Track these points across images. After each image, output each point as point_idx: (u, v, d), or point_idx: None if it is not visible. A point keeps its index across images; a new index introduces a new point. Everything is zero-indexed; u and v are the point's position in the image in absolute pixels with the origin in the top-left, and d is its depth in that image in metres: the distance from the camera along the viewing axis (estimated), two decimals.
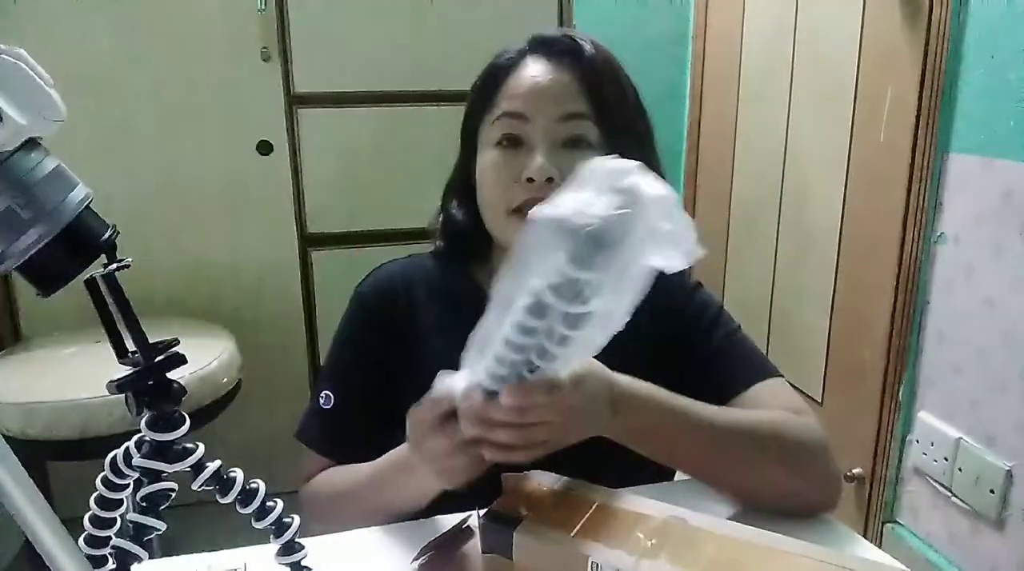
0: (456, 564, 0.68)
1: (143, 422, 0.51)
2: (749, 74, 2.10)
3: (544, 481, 0.70)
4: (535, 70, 0.84)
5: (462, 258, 0.95)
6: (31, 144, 0.46)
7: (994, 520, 1.37)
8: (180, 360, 0.50)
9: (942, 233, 1.47)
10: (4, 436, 0.46)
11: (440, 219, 0.96)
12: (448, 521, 0.73)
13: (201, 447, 0.53)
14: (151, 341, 0.50)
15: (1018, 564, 1.34)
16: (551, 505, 0.65)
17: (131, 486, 0.55)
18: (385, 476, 0.81)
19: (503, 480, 0.72)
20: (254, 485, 0.55)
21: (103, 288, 0.49)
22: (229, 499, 0.54)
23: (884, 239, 1.58)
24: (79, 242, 0.47)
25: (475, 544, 0.68)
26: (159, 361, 0.50)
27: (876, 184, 1.61)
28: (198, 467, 0.52)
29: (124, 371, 0.50)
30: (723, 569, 0.57)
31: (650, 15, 2.26)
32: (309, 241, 2.01)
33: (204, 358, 1.53)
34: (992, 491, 1.36)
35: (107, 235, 0.49)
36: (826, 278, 1.79)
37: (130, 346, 0.50)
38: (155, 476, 0.52)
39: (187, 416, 0.52)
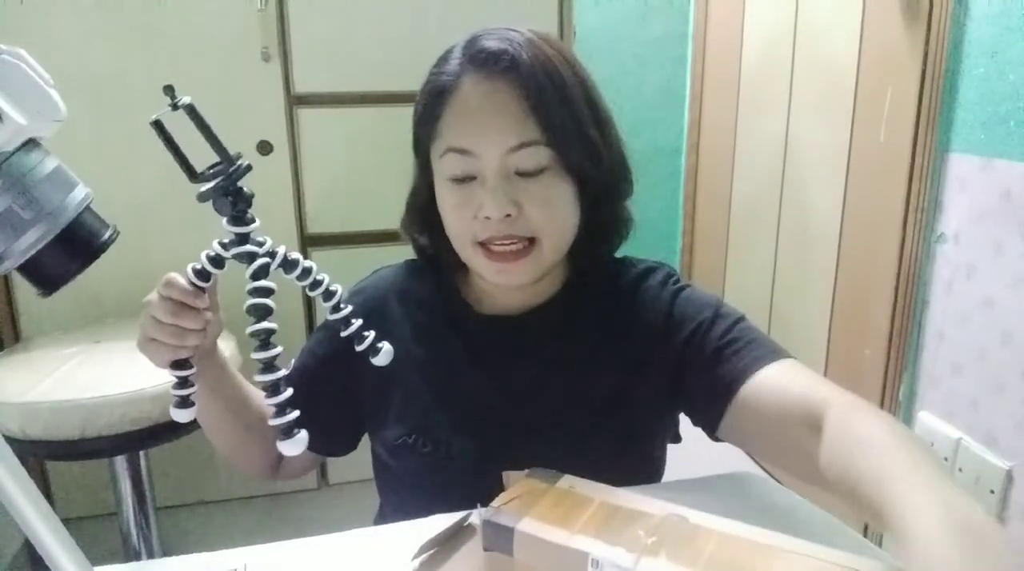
0: (457, 562, 0.68)
1: (224, 222, 0.65)
2: (749, 74, 2.10)
3: (545, 479, 0.70)
4: (476, 97, 0.78)
5: (440, 269, 0.93)
6: (31, 144, 0.46)
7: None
8: (248, 168, 0.64)
9: (942, 233, 1.47)
10: (4, 436, 0.46)
11: (409, 239, 0.95)
12: (448, 519, 0.73)
13: (268, 239, 0.68)
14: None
15: (1018, 564, 1.34)
16: (552, 503, 0.65)
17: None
18: None
19: (504, 478, 0.72)
20: (308, 264, 0.70)
21: (190, 118, 0.60)
22: (293, 275, 0.69)
23: (884, 239, 1.58)
24: (79, 242, 0.48)
25: (476, 542, 0.68)
26: (236, 170, 0.63)
27: (876, 184, 1.61)
28: (271, 253, 0.68)
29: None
30: (723, 567, 0.57)
31: (650, 15, 2.26)
32: (309, 241, 2.01)
33: None
34: (992, 491, 1.36)
35: (107, 235, 0.49)
36: (826, 278, 1.79)
37: (197, 168, 0.65)
38: (251, 257, 0.67)
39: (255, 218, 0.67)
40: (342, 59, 1.96)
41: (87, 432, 1.39)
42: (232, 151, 0.65)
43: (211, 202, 0.65)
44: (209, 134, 0.62)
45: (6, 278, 1.83)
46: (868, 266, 1.65)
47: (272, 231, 0.67)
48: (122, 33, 1.82)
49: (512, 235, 0.79)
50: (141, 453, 1.62)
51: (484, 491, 0.69)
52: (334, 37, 1.94)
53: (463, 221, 0.81)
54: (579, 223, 0.85)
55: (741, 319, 0.85)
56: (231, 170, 0.63)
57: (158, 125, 0.63)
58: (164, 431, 1.46)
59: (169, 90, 0.60)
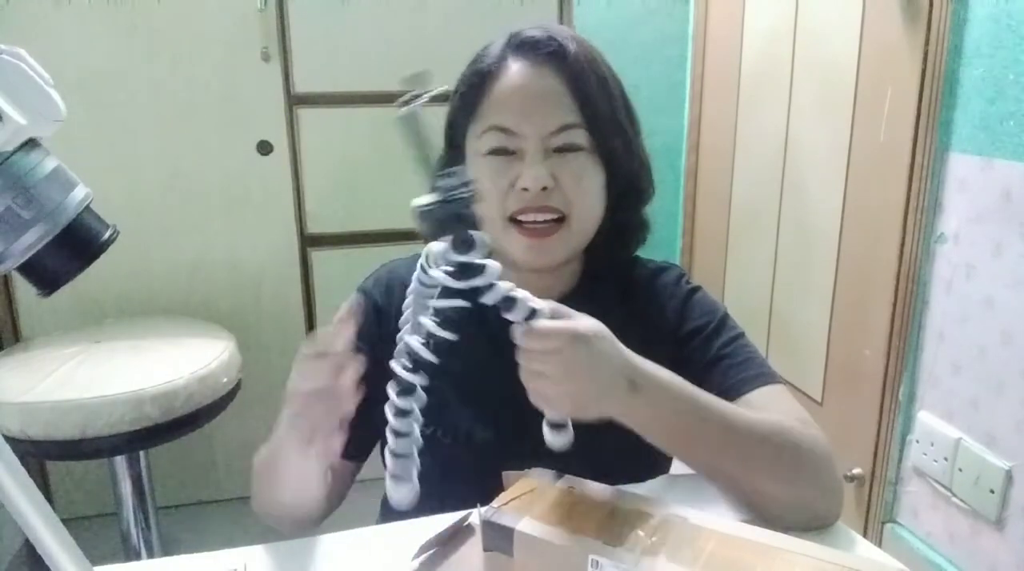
0: (456, 562, 0.69)
1: (447, 244, 0.59)
2: (749, 74, 2.10)
3: (545, 478, 0.70)
4: (520, 78, 0.82)
5: None
6: (31, 144, 0.46)
7: (994, 520, 1.37)
8: (476, 197, 0.58)
9: (942, 233, 1.47)
10: (4, 436, 0.46)
11: None
12: (448, 519, 0.73)
13: (494, 264, 0.61)
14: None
15: (1018, 564, 1.34)
16: (552, 503, 0.65)
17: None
18: (279, 435, 0.79)
19: (504, 478, 0.72)
20: (533, 304, 0.63)
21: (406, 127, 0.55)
22: (517, 316, 0.62)
23: (884, 239, 1.58)
24: (79, 242, 0.47)
25: (476, 542, 0.68)
26: (460, 195, 0.58)
27: (876, 184, 1.61)
28: (489, 286, 0.60)
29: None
30: (723, 567, 0.57)
31: (650, 15, 2.26)
32: (309, 241, 2.01)
33: (204, 358, 1.53)
34: (992, 491, 1.36)
35: (107, 235, 0.49)
36: (826, 278, 1.79)
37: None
38: (449, 293, 0.60)
39: (480, 238, 0.60)
40: (342, 59, 1.96)
41: (87, 432, 1.39)
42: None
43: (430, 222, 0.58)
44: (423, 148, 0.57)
45: (6, 278, 1.84)
46: (868, 266, 1.65)
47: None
48: (122, 33, 1.82)
49: (546, 206, 0.82)
50: (141, 453, 1.62)
51: (501, 482, 0.70)
52: (334, 37, 1.94)
53: (498, 193, 0.83)
54: (602, 217, 0.88)
55: (741, 335, 0.89)
56: (461, 186, 0.58)
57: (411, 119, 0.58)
58: (164, 431, 1.46)
59: (419, 80, 0.55)
